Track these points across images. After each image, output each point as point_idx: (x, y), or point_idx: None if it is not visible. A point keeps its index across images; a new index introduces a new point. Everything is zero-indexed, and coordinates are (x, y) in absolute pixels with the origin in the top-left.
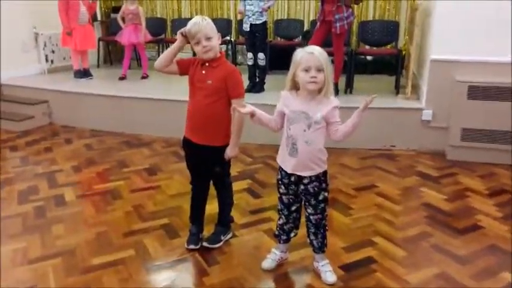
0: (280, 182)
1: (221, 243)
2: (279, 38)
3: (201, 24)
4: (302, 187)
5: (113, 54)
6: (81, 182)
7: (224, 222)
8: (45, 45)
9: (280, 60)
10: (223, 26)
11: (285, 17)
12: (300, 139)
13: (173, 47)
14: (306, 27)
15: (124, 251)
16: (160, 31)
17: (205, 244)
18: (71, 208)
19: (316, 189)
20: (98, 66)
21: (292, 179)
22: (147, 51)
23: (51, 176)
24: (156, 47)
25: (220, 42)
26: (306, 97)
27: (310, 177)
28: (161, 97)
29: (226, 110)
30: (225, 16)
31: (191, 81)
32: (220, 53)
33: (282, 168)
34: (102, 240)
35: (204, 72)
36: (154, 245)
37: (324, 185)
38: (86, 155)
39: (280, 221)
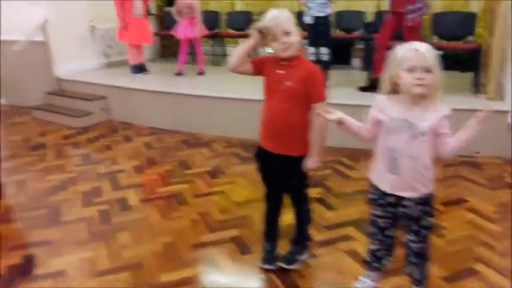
0: (374, 203)
1: (298, 263)
2: (338, 31)
3: (280, 17)
4: (402, 210)
5: (167, 48)
6: (144, 184)
7: (301, 240)
8: (102, 39)
9: (340, 54)
10: None
11: (345, 9)
12: (402, 153)
13: (246, 45)
14: (368, 18)
15: (193, 267)
16: (214, 25)
17: (281, 264)
18: (135, 213)
19: (420, 213)
20: (153, 60)
21: (391, 199)
22: (202, 46)
23: (113, 176)
24: (211, 42)
25: (300, 37)
26: (408, 102)
27: (413, 199)
28: (218, 95)
29: (306, 115)
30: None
31: (267, 82)
32: (299, 50)
33: (377, 187)
34: (170, 253)
35: (281, 72)
36: (225, 261)
37: (429, 208)
38: (146, 154)
39: (373, 247)
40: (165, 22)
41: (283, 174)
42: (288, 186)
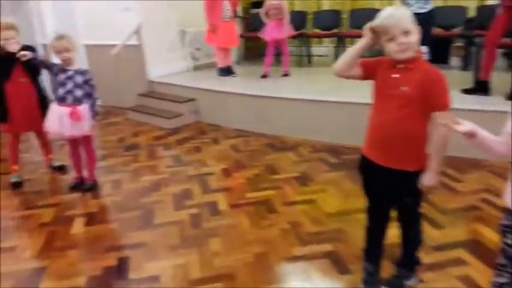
0: (509, 231)
1: None
2: (435, 28)
3: (398, 15)
4: None
5: (252, 50)
6: (233, 189)
7: (409, 263)
8: (190, 43)
9: (438, 53)
10: (368, 16)
11: (443, 4)
12: None
13: (358, 46)
14: (470, 14)
15: (288, 282)
16: (300, 25)
17: None
18: (226, 219)
19: None
20: (239, 63)
21: None
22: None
23: (203, 179)
24: (296, 42)
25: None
26: None
27: None
28: (303, 97)
29: (424, 124)
30: (373, 6)
31: (379, 87)
32: (417, 51)
33: None
34: (262, 264)
35: (397, 76)
36: (321, 279)
37: None
38: (233, 156)
39: (501, 279)
40: (251, 24)
41: (393, 190)
42: (398, 204)
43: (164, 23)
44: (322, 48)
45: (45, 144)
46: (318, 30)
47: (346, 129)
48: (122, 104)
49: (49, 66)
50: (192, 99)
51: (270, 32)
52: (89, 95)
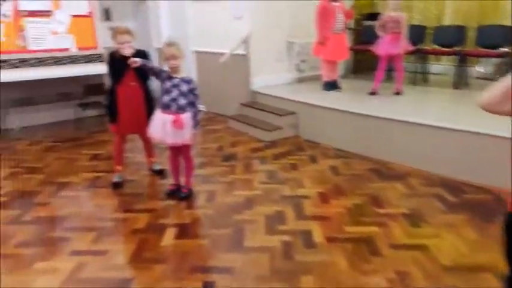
0: None
1: None
2: None
3: None
4: None
5: (360, 64)
6: (330, 218)
7: None
8: (297, 54)
9: None
10: (497, 34)
11: None
12: None
13: None
14: None
15: None
16: (418, 40)
17: None
18: (320, 254)
19: None
20: (345, 77)
21: None
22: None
23: (297, 202)
24: (412, 59)
25: None
26: None
27: None
28: (417, 120)
29: None
30: (501, 22)
31: None
32: None
33: None
34: None
35: None
36: None
37: None
38: (332, 180)
39: None
40: (361, 36)
41: None
42: None
43: (272, 33)
44: (439, 66)
45: (149, 147)
46: (437, 47)
47: (468, 163)
48: (224, 111)
49: (157, 73)
50: (292, 113)
51: (385, 46)
52: (192, 104)
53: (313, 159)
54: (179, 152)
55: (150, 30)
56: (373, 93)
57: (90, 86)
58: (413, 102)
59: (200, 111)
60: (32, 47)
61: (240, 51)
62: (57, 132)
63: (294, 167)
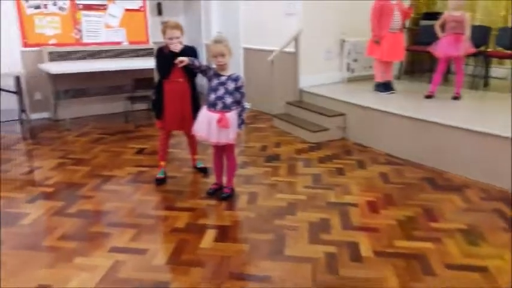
0: None
1: None
2: None
3: None
4: None
5: (414, 65)
6: (379, 230)
7: None
8: (349, 53)
9: None
10: None
11: None
12: None
13: None
14: None
15: None
16: (481, 42)
17: None
18: (368, 269)
19: None
20: (399, 77)
21: None
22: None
23: (344, 210)
24: (472, 61)
25: None
26: None
27: None
28: (477, 128)
29: None
30: None
31: None
32: None
33: None
34: None
35: None
36: None
37: None
38: (382, 188)
39: None
40: (418, 36)
41: None
42: None
43: (324, 31)
44: (502, 70)
45: (193, 144)
46: (501, 49)
47: None
48: (270, 110)
49: (204, 71)
50: (341, 114)
51: (445, 47)
52: (238, 103)
53: (361, 165)
54: (223, 151)
55: (200, 26)
56: (429, 97)
57: (139, 79)
58: (473, 108)
59: (246, 110)
60: (86, 39)
61: (290, 49)
62: (105, 124)
63: (340, 171)
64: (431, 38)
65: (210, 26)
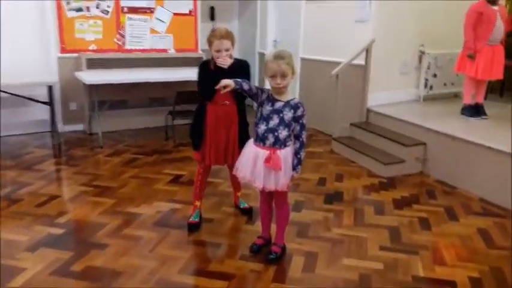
0: None
1: None
2: None
3: None
4: None
5: (507, 82)
6: None
7: None
8: (428, 67)
9: None
10: None
11: None
12: None
13: None
14: None
15: None
16: None
17: None
18: None
19: None
20: (485, 98)
21: None
22: None
23: None
24: None
25: None
26: None
27: None
28: None
29: None
30: None
31: None
32: None
33: None
34: None
35: None
36: None
37: None
38: (486, 256)
39: None
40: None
41: None
42: None
43: (400, 41)
44: None
45: (236, 179)
46: None
47: None
48: (330, 130)
49: (256, 95)
50: (421, 143)
51: None
52: (295, 137)
53: (451, 214)
54: (272, 197)
55: (255, 33)
56: None
57: (182, 93)
58: None
59: (304, 145)
60: (129, 46)
61: (358, 61)
62: (143, 141)
63: (425, 223)
64: None
65: (266, 32)
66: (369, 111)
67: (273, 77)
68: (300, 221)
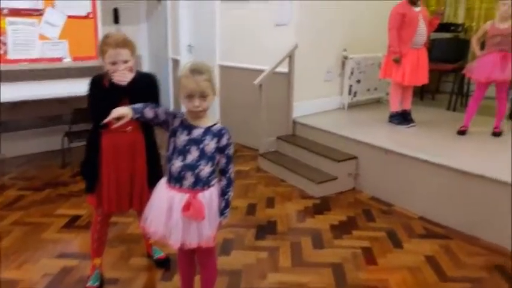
0: None
1: None
2: None
3: None
4: None
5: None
6: None
7: None
8: (351, 73)
9: None
10: None
11: None
12: None
13: None
14: None
15: None
16: None
17: None
18: None
19: None
20: (422, 98)
21: None
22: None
23: None
24: None
25: None
26: None
27: None
28: None
29: None
30: None
31: None
32: None
33: None
34: None
35: None
36: None
37: None
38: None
39: None
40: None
41: None
42: None
43: (322, 46)
44: None
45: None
46: None
47: None
48: (255, 144)
49: (165, 122)
50: (352, 157)
51: (487, 69)
52: (221, 173)
53: (394, 240)
54: (193, 253)
55: (166, 37)
56: (463, 132)
57: (82, 110)
58: None
59: (232, 181)
60: (13, 55)
61: (281, 69)
62: (33, 171)
63: (369, 255)
64: (440, 53)
65: (178, 36)
66: (295, 123)
67: (189, 97)
68: (231, 269)
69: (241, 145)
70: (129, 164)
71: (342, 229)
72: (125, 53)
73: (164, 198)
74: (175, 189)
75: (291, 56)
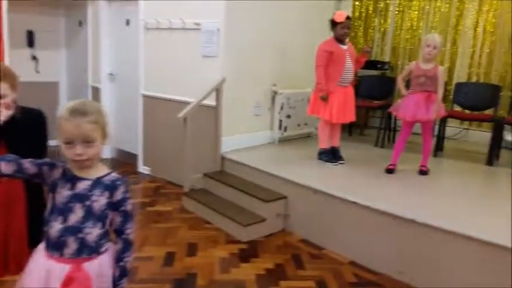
0: None
1: None
2: None
3: None
4: None
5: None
6: None
7: None
8: (281, 107)
9: None
10: None
11: None
12: None
13: None
14: None
15: None
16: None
17: None
18: None
19: None
20: (350, 134)
21: None
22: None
23: None
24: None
25: None
26: None
27: None
28: (450, 227)
29: None
30: None
31: None
32: None
33: None
34: None
35: None
36: None
37: None
38: None
39: None
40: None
41: None
42: None
43: (251, 80)
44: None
45: None
46: (460, 109)
47: None
48: (179, 180)
49: (40, 176)
50: (282, 197)
51: (414, 110)
52: (117, 234)
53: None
54: None
55: (86, 63)
56: (390, 171)
57: None
58: (450, 189)
59: (132, 244)
60: None
61: (209, 102)
62: None
63: None
64: (371, 91)
65: (99, 64)
66: (223, 158)
67: (69, 144)
68: None
69: (166, 181)
70: (4, 220)
71: (270, 280)
72: (2, 87)
73: (41, 269)
74: (54, 258)
75: (218, 89)
